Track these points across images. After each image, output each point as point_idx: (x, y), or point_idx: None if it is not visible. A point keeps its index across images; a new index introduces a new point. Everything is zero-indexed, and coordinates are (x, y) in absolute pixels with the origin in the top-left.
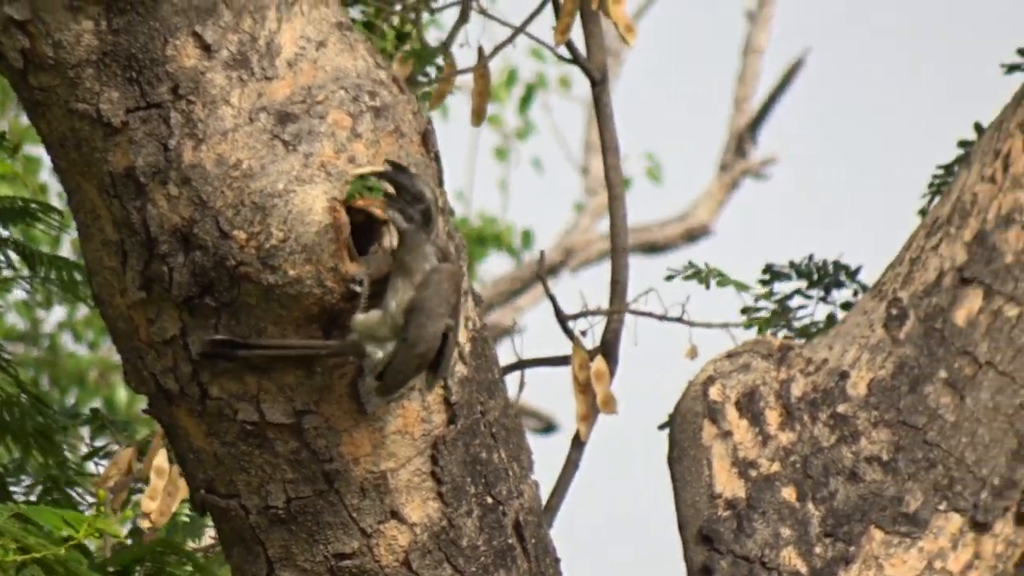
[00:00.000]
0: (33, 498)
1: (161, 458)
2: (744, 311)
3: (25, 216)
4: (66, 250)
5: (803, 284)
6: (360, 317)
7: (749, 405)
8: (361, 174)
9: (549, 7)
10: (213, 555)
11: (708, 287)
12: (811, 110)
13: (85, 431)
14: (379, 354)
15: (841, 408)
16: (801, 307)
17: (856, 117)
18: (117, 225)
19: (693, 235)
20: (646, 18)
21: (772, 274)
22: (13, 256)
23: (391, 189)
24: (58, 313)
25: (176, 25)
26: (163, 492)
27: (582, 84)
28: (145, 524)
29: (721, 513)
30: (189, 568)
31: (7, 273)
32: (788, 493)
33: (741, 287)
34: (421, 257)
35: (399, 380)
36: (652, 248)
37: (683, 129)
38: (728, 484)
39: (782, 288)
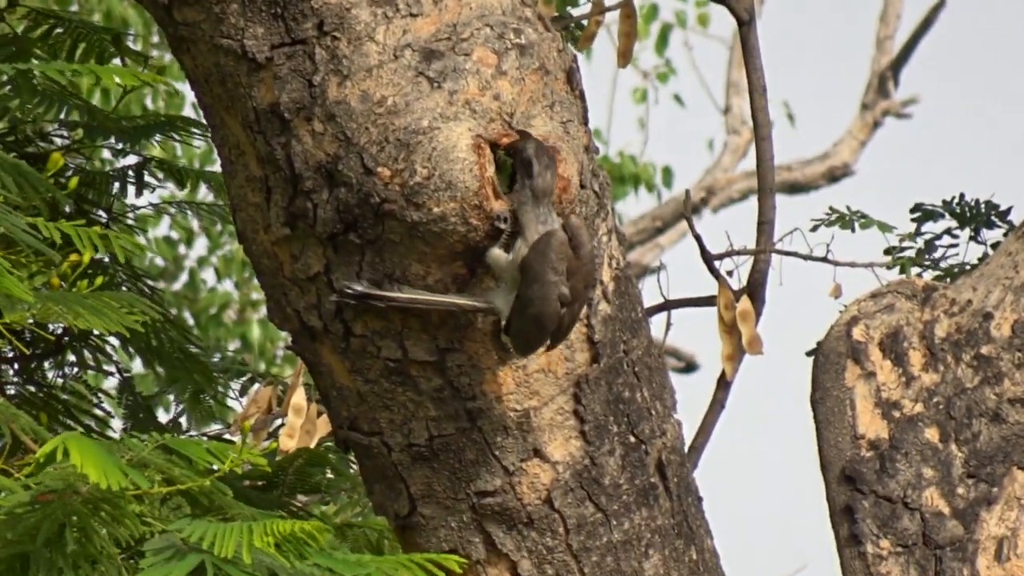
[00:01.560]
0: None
1: (299, 396)
2: (888, 251)
3: (169, 128)
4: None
5: (953, 223)
6: (495, 252)
7: (893, 346)
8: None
9: None
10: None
11: (853, 230)
12: (953, 50)
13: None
14: (506, 310)
15: (985, 349)
16: (951, 246)
17: (998, 57)
18: (261, 161)
19: (835, 175)
20: None
21: (922, 212)
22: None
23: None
24: (199, 249)
25: None
26: (301, 431)
27: (720, 22)
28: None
29: (864, 453)
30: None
31: (154, 198)
32: (931, 434)
33: (885, 228)
34: (530, 214)
35: (523, 341)
36: (794, 188)
37: (825, 69)
38: (871, 425)
39: (931, 228)
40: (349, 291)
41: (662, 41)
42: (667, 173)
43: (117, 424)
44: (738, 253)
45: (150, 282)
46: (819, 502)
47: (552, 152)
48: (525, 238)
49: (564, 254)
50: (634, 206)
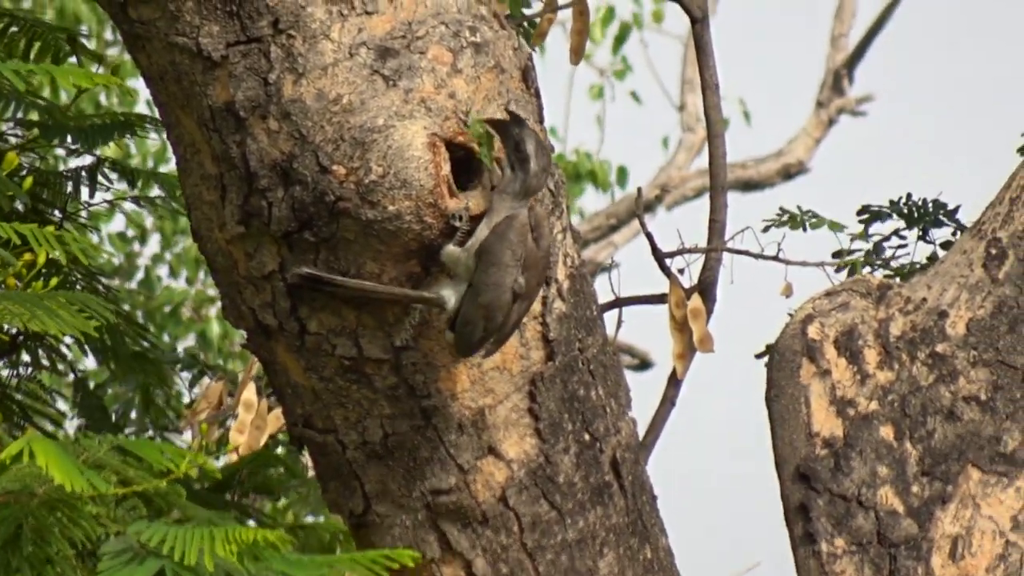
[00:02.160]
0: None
1: (250, 392)
2: (837, 254)
3: (126, 129)
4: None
5: (901, 224)
6: (448, 248)
7: (848, 343)
8: (484, 120)
9: None
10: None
11: (804, 230)
12: (908, 47)
13: (186, 377)
14: (452, 300)
15: (940, 347)
16: (900, 247)
17: (954, 55)
18: (216, 159)
19: (789, 172)
20: None
21: (870, 214)
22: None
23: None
24: (153, 246)
25: None
26: (251, 426)
27: (675, 19)
28: (233, 458)
29: (819, 451)
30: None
31: (108, 196)
32: (886, 432)
33: (836, 227)
34: (506, 203)
35: (468, 334)
36: (748, 185)
37: (779, 66)
38: (826, 422)
39: (880, 228)
40: (299, 272)
41: (619, 43)
42: (622, 172)
43: (69, 424)
44: (689, 251)
45: (104, 280)
46: (773, 500)
47: (551, 147)
48: (489, 220)
49: (525, 239)
50: (592, 202)
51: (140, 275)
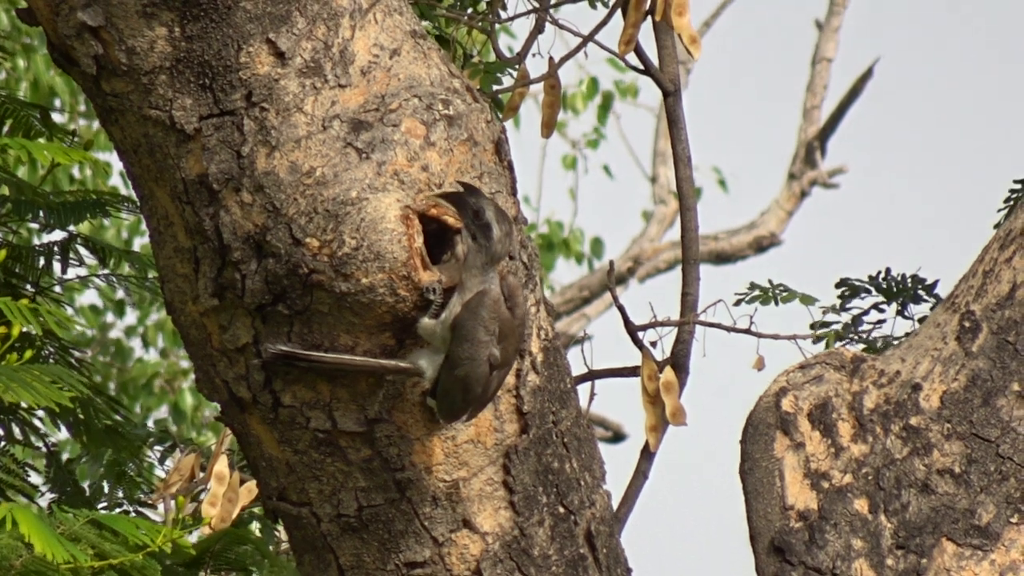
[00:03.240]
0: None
1: (222, 464)
2: (813, 327)
3: (98, 209)
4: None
5: (880, 298)
6: (424, 321)
7: (822, 416)
8: (437, 195)
9: (621, 18)
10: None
11: (777, 304)
12: (881, 120)
13: (158, 450)
14: (430, 370)
15: (914, 420)
16: (879, 322)
17: (926, 128)
18: (190, 232)
19: (762, 245)
20: (714, 26)
21: (848, 288)
22: (84, 252)
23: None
24: (128, 318)
25: (250, 32)
26: (223, 498)
27: (649, 92)
28: (206, 532)
29: (793, 524)
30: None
31: (81, 271)
32: (860, 505)
33: (807, 300)
34: (477, 277)
35: (448, 404)
36: (720, 257)
37: (752, 139)
38: (800, 496)
39: (858, 303)
40: (273, 351)
41: (603, 111)
42: (596, 243)
43: (41, 499)
44: (661, 324)
45: (77, 353)
46: (747, 573)
47: (513, 217)
48: (461, 296)
49: (497, 314)
50: (565, 273)
51: (112, 348)
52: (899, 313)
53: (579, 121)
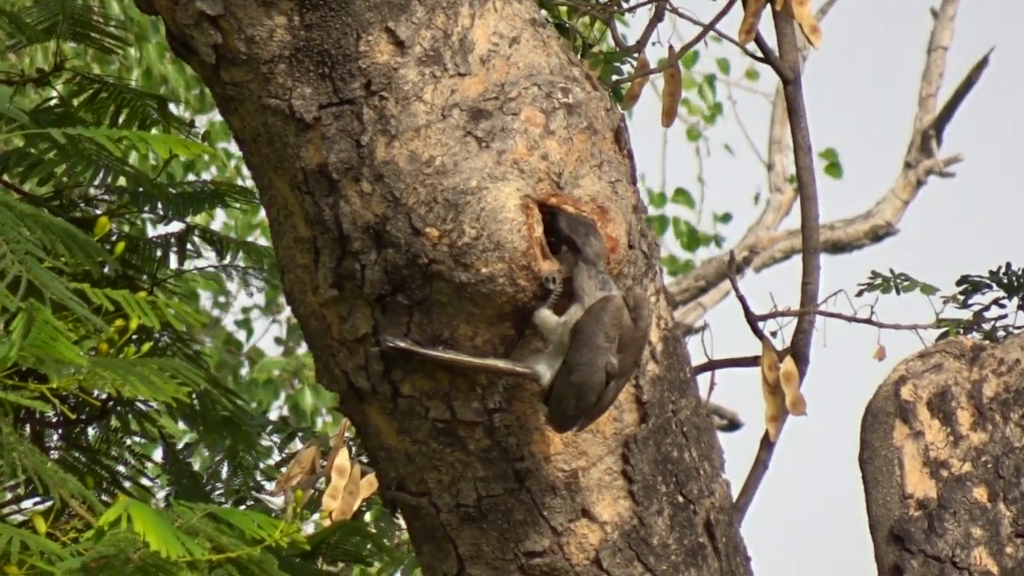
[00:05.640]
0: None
1: (342, 457)
2: (940, 323)
3: (217, 199)
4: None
5: (1001, 293)
6: (543, 313)
7: (941, 405)
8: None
9: (740, 6)
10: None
11: (898, 293)
12: (996, 109)
13: (276, 439)
14: (547, 376)
15: None
16: (1000, 317)
17: None
18: (309, 222)
19: (878, 234)
20: (830, 14)
21: (969, 283)
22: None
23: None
24: (233, 311)
25: (369, 21)
26: (344, 491)
27: (765, 78)
28: (326, 524)
29: (912, 513)
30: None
31: (200, 263)
32: (979, 493)
33: (928, 290)
34: (592, 282)
35: (562, 411)
36: (837, 247)
37: (868, 127)
38: (919, 484)
39: (979, 298)
40: (391, 344)
41: (710, 83)
42: (725, 218)
43: (155, 488)
44: (782, 315)
45: (196, 346)
46: (867, 562)
47: (586, 219)
48: (582, 303)
49: (619, 322)
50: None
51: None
52: (1020, 307)
53: (693, 105)
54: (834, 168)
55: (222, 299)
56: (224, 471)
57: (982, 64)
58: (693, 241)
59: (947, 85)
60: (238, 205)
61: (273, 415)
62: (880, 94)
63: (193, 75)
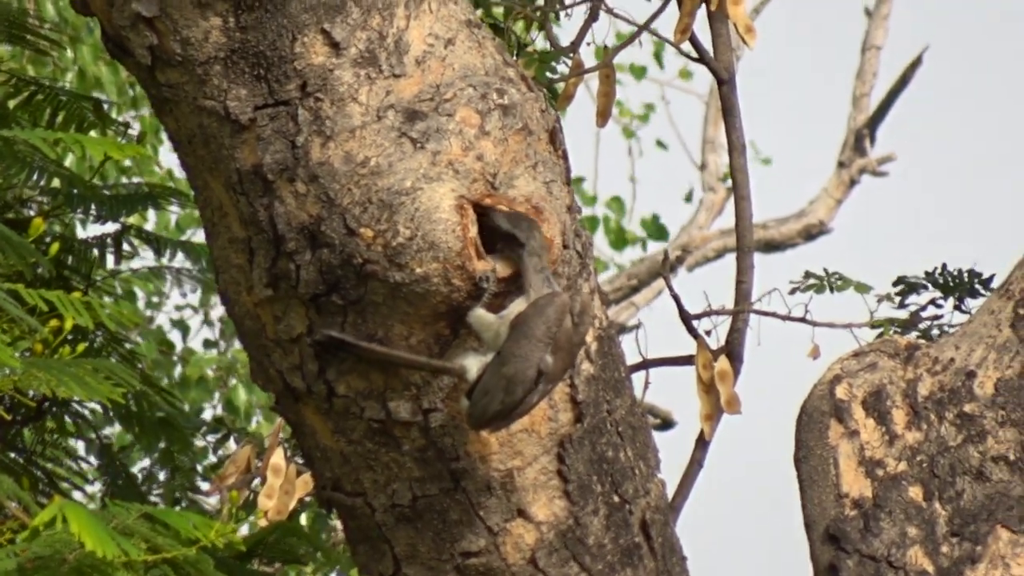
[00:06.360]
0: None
1: (278, 456)
2: (875, 325)
3: (150, 201)
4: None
5: (937, 294)
6: (478, 311)
7: (876, 404)
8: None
9: (675, 6)
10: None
11: (832, 292)
12: (930, 108)
13: (211, 439)
14: (474, 371)
15: (968, 407)
16: (935, 317)
17: (974, 115)
18: (244, 222)
19: (811, 233)
20: (763, 14)
21: (906, 284)
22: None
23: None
24: (166, 309)
25: (304, 22)
26: (280, 491)
27: (698, 78)
28: (262, 523)
29: (848, 512)
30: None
31: (135, 264)
32: (915, 492)
33: (863, 289)
34: (539, 277)
35: (484, 405)
36: (769, 246)
37: (800, 126)
38: (855, 483)
39: (915, 299)
40: (325, 334)
41: (640, 73)
42: (655, 223)
43: (91, 488)
44: (717, 313)
45: (128, 345)
46: (802, 561)
47: (526, 214)
48: (527, 296)
49: (561, 321)
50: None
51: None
52: (956, 308)
53: (627, 104)
54: (764, 163)
55: (155, 299)
56: (161, 474)
57: (916, 63)
58: (621, 241)
59: (881, 84)
60: (172, 208)
61: (207, 414)
62: (814, 93)
63: (127, 78)
